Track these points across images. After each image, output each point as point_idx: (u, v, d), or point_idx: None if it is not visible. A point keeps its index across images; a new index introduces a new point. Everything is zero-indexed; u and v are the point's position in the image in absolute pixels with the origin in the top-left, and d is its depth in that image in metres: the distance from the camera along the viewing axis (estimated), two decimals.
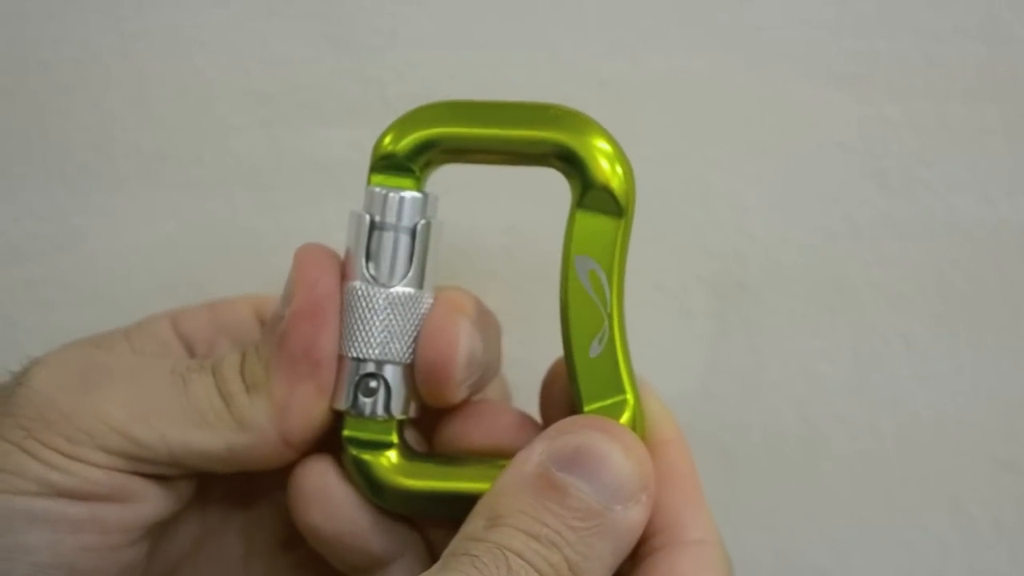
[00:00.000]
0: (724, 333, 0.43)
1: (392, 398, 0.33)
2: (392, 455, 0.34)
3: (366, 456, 0.33)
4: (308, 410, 0.33)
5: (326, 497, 0.34)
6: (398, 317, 0.33)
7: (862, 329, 0.43)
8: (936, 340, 0.43)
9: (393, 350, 0.33)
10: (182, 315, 0.37)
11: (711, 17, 0.42)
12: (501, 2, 0.42)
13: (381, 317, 0.33)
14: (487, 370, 0.35)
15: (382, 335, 0.33)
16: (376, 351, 0.33)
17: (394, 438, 0.34)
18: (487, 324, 0.35)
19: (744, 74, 0.42)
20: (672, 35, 0.42)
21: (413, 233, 0.33)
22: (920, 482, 0.43)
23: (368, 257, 0.33)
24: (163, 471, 0.33)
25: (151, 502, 0.33)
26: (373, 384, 0.33)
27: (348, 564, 0.35)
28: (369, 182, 0.34)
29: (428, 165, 0.34)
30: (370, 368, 0.33)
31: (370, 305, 0.33)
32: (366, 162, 0.42)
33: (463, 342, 0.33)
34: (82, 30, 0.43)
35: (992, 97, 0.42)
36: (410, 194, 0.33)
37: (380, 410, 0.33)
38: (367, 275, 0.33)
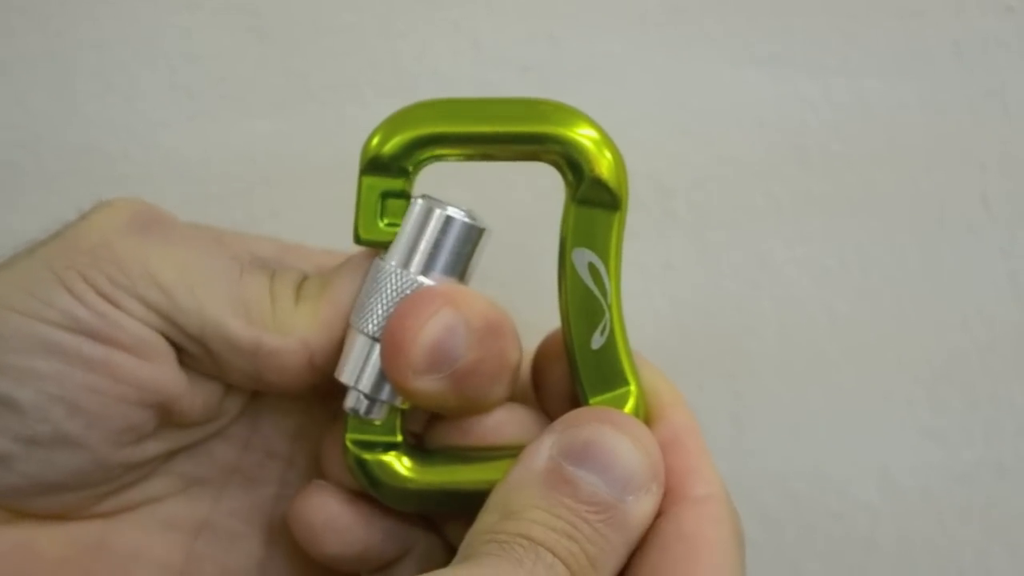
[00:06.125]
0: (652, 311, 0.43)
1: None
2: (396, 454, 0.33)
3: (367, 456, 0.33)
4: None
5: (335, 527, 0.34)
6: (389, 295, 0.32)
7: (786, 304, 0.43)
8: (860, 313, 0.43)
9: (371, 325, 0.32)
10: (296, 249, 0.37)
11: (630, 0, 0.42)
12: None
13: (375, 291, 0.32)
14: (477, 383, 0.33)
15: (368, 309, 0.32)
16: (361, 323, 0.32)
17: (397, 437, 0.33)
18: (491, 332, 0.32)
19: (663, 56, 0.43)
20: (592, 19, 0.43)
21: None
22: (849, 453, 0.44)
23: (403, 240, 0.33)
24: (185, 344, 0.32)
25: (169, 371, 0.32)
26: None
27: (363, 570, 0.35)
28: (360, 184, 0.33)
29: (419, 164, 0.33)
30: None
31: (373, 277, 0.33)
32: (291, 152, 0.43)
33: (431, 327, 0.32)
34: (5, 29, 0.43)
35: (907, 72, 0.42)
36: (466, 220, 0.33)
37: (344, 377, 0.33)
38: (394, 254, 0.33)
